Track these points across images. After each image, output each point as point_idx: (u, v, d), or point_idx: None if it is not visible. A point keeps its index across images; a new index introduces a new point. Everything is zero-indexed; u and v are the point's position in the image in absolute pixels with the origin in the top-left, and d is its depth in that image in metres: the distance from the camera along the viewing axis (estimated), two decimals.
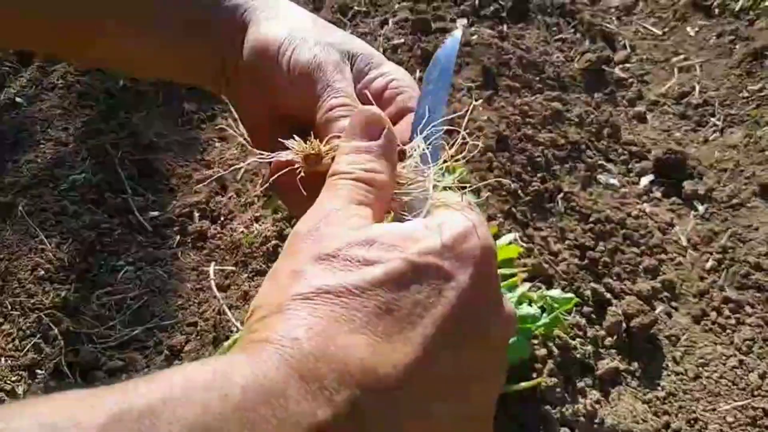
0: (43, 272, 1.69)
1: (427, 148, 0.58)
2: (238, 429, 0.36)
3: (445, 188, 0.56)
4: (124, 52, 0.73)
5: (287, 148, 0.60)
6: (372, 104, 0.63)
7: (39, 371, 1.53)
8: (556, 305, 1.40)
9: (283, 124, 0.66)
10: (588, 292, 1.65)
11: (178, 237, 1.85)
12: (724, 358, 1.60)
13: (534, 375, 1.41)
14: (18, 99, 2.16)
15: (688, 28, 2.56)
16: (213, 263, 1.77)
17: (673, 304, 1.72)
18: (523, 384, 1.32)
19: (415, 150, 0.59)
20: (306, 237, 0.48)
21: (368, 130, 0.55)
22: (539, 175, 1.88)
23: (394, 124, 0.63)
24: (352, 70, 0.67)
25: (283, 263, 0.48)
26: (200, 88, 1.21)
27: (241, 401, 0.37)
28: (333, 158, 0.57)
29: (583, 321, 1.59)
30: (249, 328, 0.45)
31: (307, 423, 0.38)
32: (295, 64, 0.63)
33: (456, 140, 0.59)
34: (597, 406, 1.44)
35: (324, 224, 0.48)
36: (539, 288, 1.56)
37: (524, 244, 1.68)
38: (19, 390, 1.49)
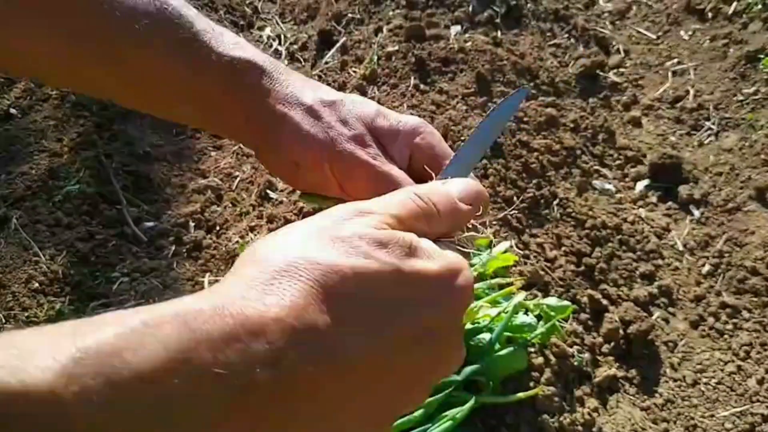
0: (37, 285, 1.68)
1: None
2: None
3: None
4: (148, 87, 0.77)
5: None
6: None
7: None
8: (552, 313, 1.40)
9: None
10: (584, 299, 1.65)
11: (173, 247, 1.84)
12: (722, 363, 1.60)
13: (531, 384, 1.40)
14: (12, 110, 2.15)
15: (682, 32, 2.56)
16: (208, 274, 1.76)
17: (670, 309, 1.71)
18: (521, 394, 1.31)
19: None
20: (338, 218, 0.52)
21: (475, 197, 0.63)
22: (534, 181, 1.88)
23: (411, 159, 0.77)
24: None
25: (305, 225, 0.52)
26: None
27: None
28: None
29: (580, 328, 1.59)
30: (241, 261, 0.49)
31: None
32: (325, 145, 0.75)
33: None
34: (595, 414, 1.44)
35: (358, 215, 0.52)
36: (535, 296, 1.56)
37: (520, 251, 1.68)
38: None
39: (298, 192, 0.82)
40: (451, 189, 0.61)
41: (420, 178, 0.73)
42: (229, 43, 0.76)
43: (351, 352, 0.45)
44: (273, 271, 0.45)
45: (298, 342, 0.43)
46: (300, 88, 0.77)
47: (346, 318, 0.45)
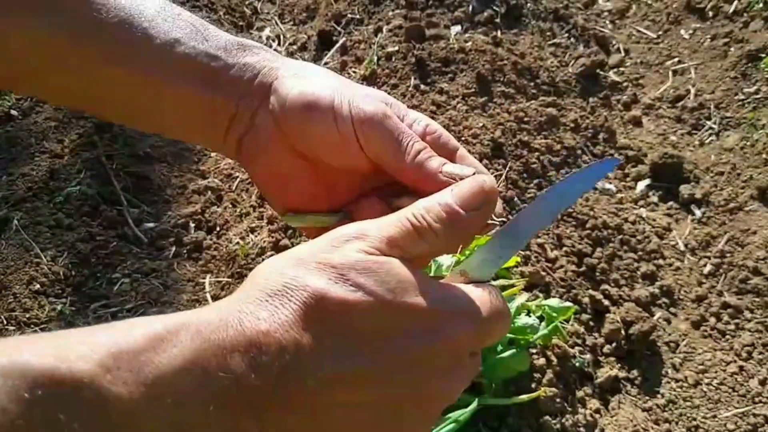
0: (38, 286, 1.68)
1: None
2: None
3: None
4: (129, 102, 0.72)
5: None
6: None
7: None
8: (554, 315, 1.39)
9: (319, 178, 0.71)
10: (586, 300, 1.65)
11: (173, 248, 1.84)
12: (723, 364, 1.59)
13: (533, 385, 1.40)
14: (13, 112, 2.15)
15: (682, 31, 2.56)
16: (208, 275, 1.76)
17: (672, 310, 1.71)
18: (523, 396, 1.31)
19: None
20: (334, 241, 0.54)
21: (480, 200, 0.60)
22: (535, 181, 1.87)
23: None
24: None
25: (304, 249, 0.55)
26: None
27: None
28: None
29: (581, 329, 1.59)
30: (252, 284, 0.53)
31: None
32: (362, 116, 0.65)
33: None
34: (597, 415, 1.44)
35: (349, 242, 0.54)
36: (537, 297, 1.56)
37: (521, 252, 1.68)
38: None
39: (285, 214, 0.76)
40: (447, 199, 0.58)
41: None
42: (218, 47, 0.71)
43: (327, 371, 0.49)
44: (269, 290, 0.51)
45: (283, 355, 0.48)
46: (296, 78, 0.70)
47: (324, 340, 0.49)
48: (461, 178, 0.63)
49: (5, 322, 1.61)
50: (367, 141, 0.66)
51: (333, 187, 0.72)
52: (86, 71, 0.68)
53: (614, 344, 1.59)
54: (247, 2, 2.77)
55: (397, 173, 0.67)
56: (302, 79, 0.68)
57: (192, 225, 1.89)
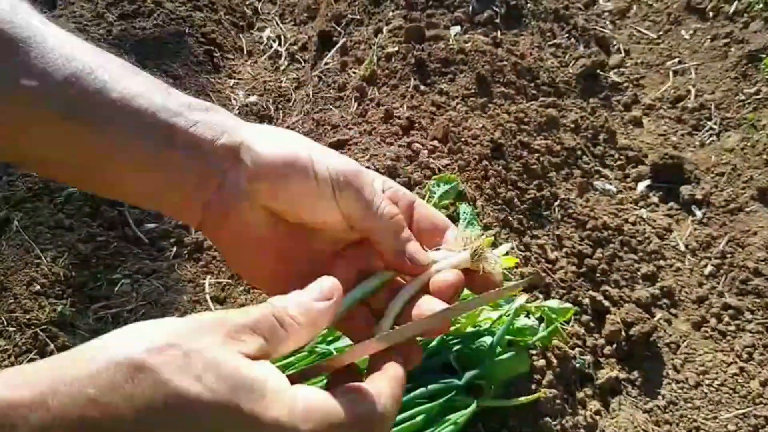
0: (39, 287, 1.67)
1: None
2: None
3: None
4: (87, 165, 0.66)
5: None
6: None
7: None
8: (554, 316, 1.39)
9: (290, 238, 0.69)
10: (586, 300, 1.64)
11: (174, 249, 1.84)
12: (724, 365, 1.59)
13: (533, 386, 1.40)
14: None
15: (683, 31, 2.56)
16: (209, 276, 1.76)
17: (673, 310, 1.71)
18: (523, 399, 1.31)
19: None
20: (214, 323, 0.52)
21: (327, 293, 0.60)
22: (535, 182, 1.87)
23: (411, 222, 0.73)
24: None
25: (168, 325, 0.52)
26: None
27: None
28: None
29: (581, 330, 1.59)
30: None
31: None
32: (339, 171, 0.66)
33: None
34: (597, 417, 1.44)
35: (214, 324, 0.52)
36: (537, 298, 1.56)
37: (521, 253, 1.68)
38: None
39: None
40: (303, 296, 0.59)
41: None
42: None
43: None
44: (117, 361, 0.47)
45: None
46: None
47: (153, 426, 0.47)
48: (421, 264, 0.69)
49: (5, 323, 1.61)
50: (342, 197, 0.66)
51: (303, 247, 0.70)
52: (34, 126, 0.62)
53: (615, 345, 1.59)
54: (247, 2, 2.77)
55: (365, 232, 0.69)
56: (275, 139, 0.68)
57: None
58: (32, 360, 1.54)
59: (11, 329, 1.60)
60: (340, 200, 0.66)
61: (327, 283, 0.60)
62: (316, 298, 0.59)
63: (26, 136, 0.62)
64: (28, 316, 1.62)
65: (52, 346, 1.56)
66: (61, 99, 0.61)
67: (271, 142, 0.67)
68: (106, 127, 0.62)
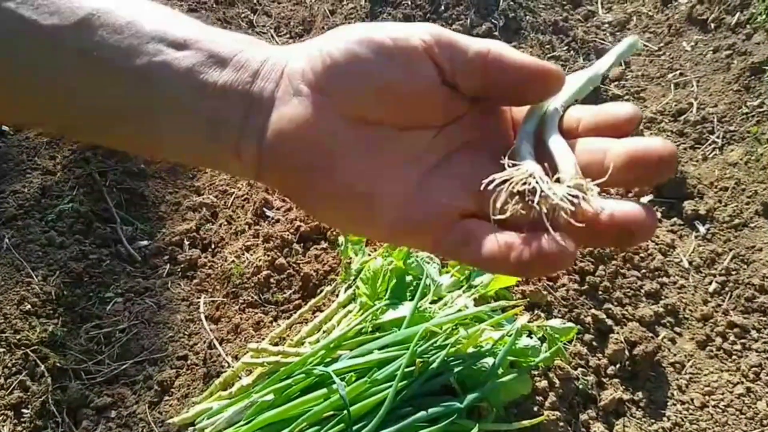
0: (29, 306, 1.64)
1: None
2: None
3: None
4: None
5: None
6: None
7: (25, 410, 1.48)
8: (556, 336, 1.36)
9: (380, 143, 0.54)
10: (589, 319, 1.61)
11: (167, 266, 1.80)
12: (730, 385, 1.55)
13: (535, 408, 1.36)
14: (4, 127, 2.12)
15: (684, 43, 2.53)
16: (203, 294, 1.72)
17: (677, 329, 1.67)
18: (526, 422, 1.27)
19: None
20: None
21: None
22: None
23: None
24: None
25: None
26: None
27: None
28: None
29: (584, 350, 1.55)
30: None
31: None
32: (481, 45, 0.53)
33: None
34: None
35: None
36: (539, 317, 1.52)
37: None
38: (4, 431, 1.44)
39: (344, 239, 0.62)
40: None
41: None
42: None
43: None
44: None
45: None
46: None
47: None
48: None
49: None
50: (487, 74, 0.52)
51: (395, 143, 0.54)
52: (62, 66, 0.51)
53: (618, 365, 1.55)
54: (242, 15, 2.75)
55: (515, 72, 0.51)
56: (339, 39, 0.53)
57: (186, 243, 1.85)
58: (22, 381, 1.50)
59: (1, 350, 1.56)
60: (480, 78, 0.52)
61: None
62: None
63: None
64: (18, 336, 1.58)
65: (42, 367, 1.53)
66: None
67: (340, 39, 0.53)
68: (133, 58, 0.51)
